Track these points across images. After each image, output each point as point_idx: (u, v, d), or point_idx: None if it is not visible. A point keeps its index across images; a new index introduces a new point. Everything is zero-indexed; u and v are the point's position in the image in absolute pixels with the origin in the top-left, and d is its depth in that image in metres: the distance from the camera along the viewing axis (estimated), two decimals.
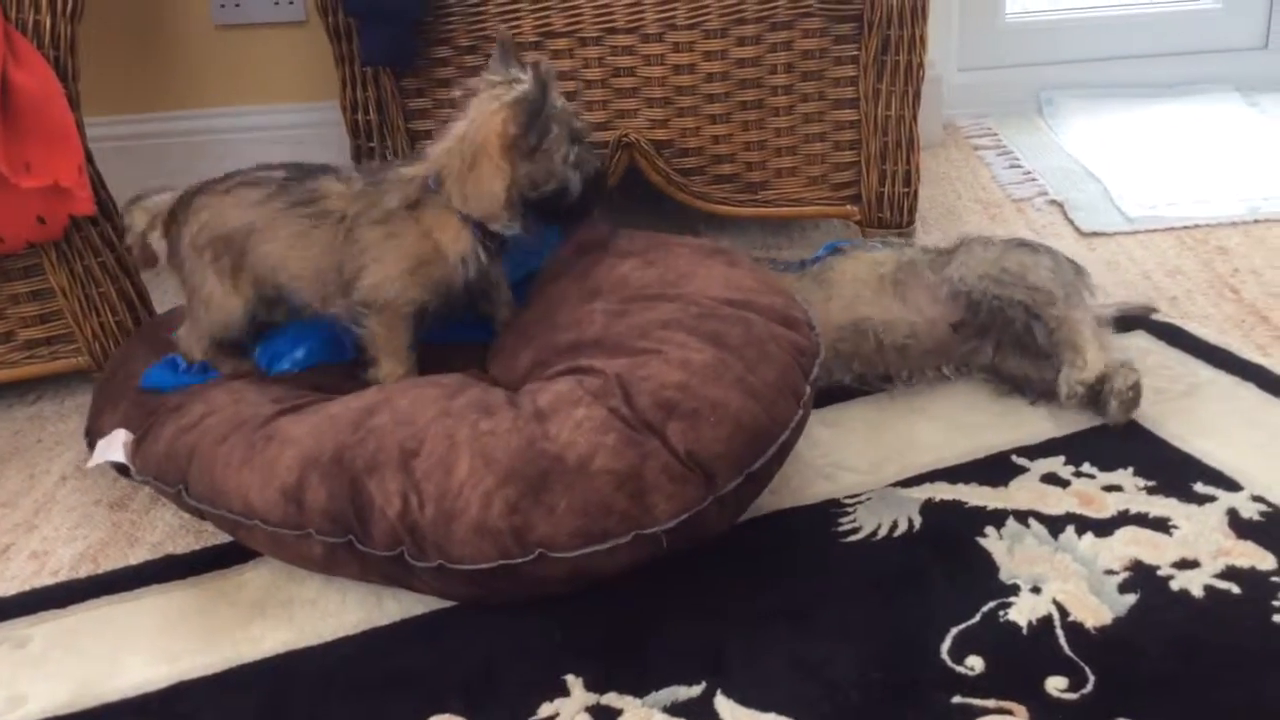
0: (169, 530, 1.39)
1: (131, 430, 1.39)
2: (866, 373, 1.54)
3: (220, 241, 1.44)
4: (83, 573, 1.32)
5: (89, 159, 1.64)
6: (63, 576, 1.32)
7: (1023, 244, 1.61)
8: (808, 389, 1.28)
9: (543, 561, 1.12)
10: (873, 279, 1.58)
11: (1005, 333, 1.51)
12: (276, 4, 2.45)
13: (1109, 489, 1.31)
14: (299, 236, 1.42)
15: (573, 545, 1.12)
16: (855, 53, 1.89)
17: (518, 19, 1.89)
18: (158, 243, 1.51)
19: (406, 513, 1.15)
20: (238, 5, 2.45)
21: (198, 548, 1.35)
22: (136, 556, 1.35)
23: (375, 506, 1.16)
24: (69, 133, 1.55)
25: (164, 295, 1.83)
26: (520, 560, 1.12)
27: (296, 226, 1.42)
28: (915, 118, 1.92)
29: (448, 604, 1.21)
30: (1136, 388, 1.41)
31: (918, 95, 1.91)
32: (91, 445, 1.45)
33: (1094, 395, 1.42)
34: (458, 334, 1.52)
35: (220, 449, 1.26)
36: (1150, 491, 1.30)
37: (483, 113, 1.41)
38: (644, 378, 1.21)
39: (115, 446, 1.37)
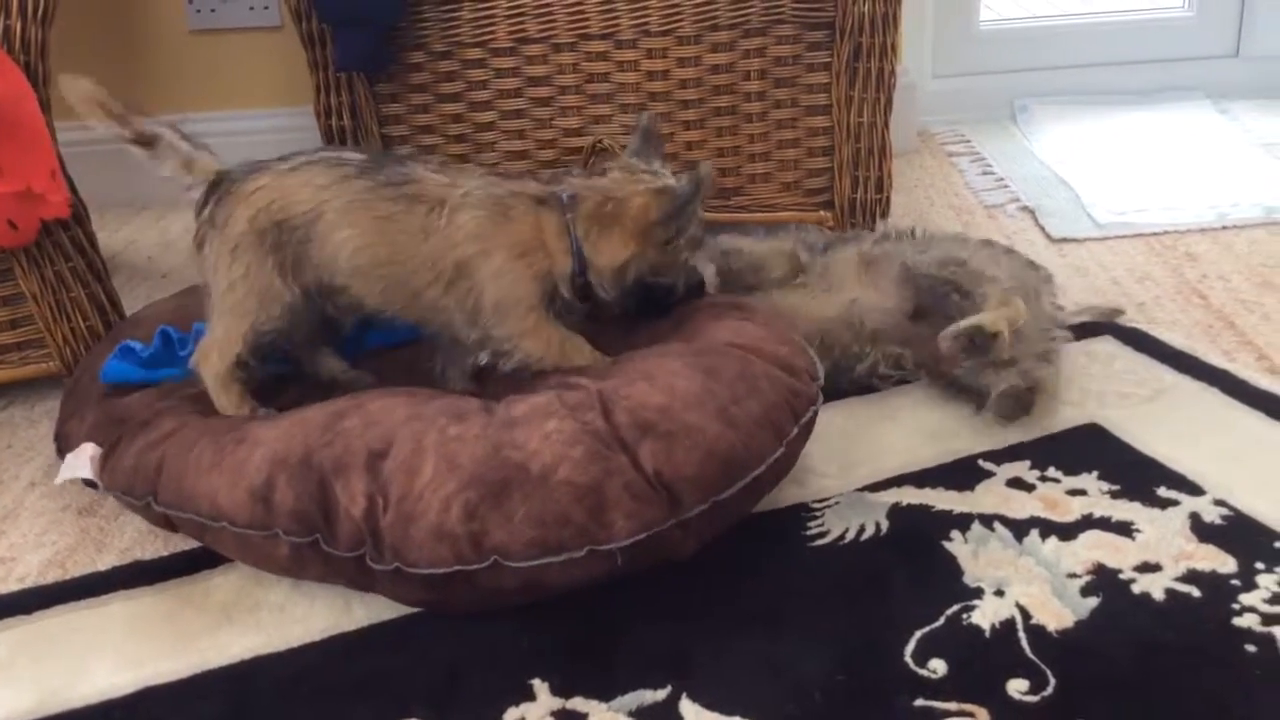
0: (137, 536, 1.38)
1: (99, 442, 1.38)
2: (842, 362, 1.55)
3: (285, 227, 1.32)
4: (50, 579, 1.32)
5: (61, 164, 1.63)
6: (30, 583, 1.31)
7: (987, 243, 1.64)
8: (795, 430, 1.27)
9: (497, 569, 1.12)
10: (854, 259, 1.62)
11: (943, 315, 1.52)
12: (251, 10, 2.45)
13: (1073, 493, 1.32)
14: (384, 221, 1.32)
15: (527, 555, 1.12)
16: (828, 60, 1.90)
17: (492, 25, 1.89)
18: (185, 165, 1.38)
19: (370, 514, 1.15)
20: (213, 11, 2.45)
21: (165, 553, 1.34)
22: (105, 562, 1.34)
23: (340, 507, 1.16)
24: (41, 137, 1.55)
25: (135, 300, 1.83)
26: (475, 567, 1.12)
27: (382, 210, 1.32)
28: (887, 124, 1.94)
29: (415, 610, 1.21)
30: (1024, 394, 1.41)
31: (889, 102, 1.92)
32: (60, 451, 1.45)
33: (973, 348, 1.42)
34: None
35: (190, 454, 1.26)
36: (1114, 495, 1.31)
37: (628, 190, 1.37)
38: (626, 396, 1.22)
39: (82, 462, 1.36)
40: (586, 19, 1.88)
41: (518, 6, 1.88)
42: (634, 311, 1.43)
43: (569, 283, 1.36)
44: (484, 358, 1.38)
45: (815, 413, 1.32)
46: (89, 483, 1.39)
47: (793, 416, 1.28)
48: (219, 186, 1.37)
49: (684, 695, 1.06)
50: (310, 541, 1.17)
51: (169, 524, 1.31)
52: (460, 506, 1.13)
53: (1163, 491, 1.31)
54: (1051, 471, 1.36)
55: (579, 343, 1.37)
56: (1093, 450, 1.40)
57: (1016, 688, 1.04)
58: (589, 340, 1.39)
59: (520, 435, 1.17)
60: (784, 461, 1.27)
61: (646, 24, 1.88)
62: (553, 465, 1.14)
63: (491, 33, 1.90)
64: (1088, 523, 1.26)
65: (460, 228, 1.33)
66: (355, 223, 1.32)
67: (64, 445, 1.46)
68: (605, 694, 1.07)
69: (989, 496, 1.32)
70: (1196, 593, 1.15)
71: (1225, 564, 1.19)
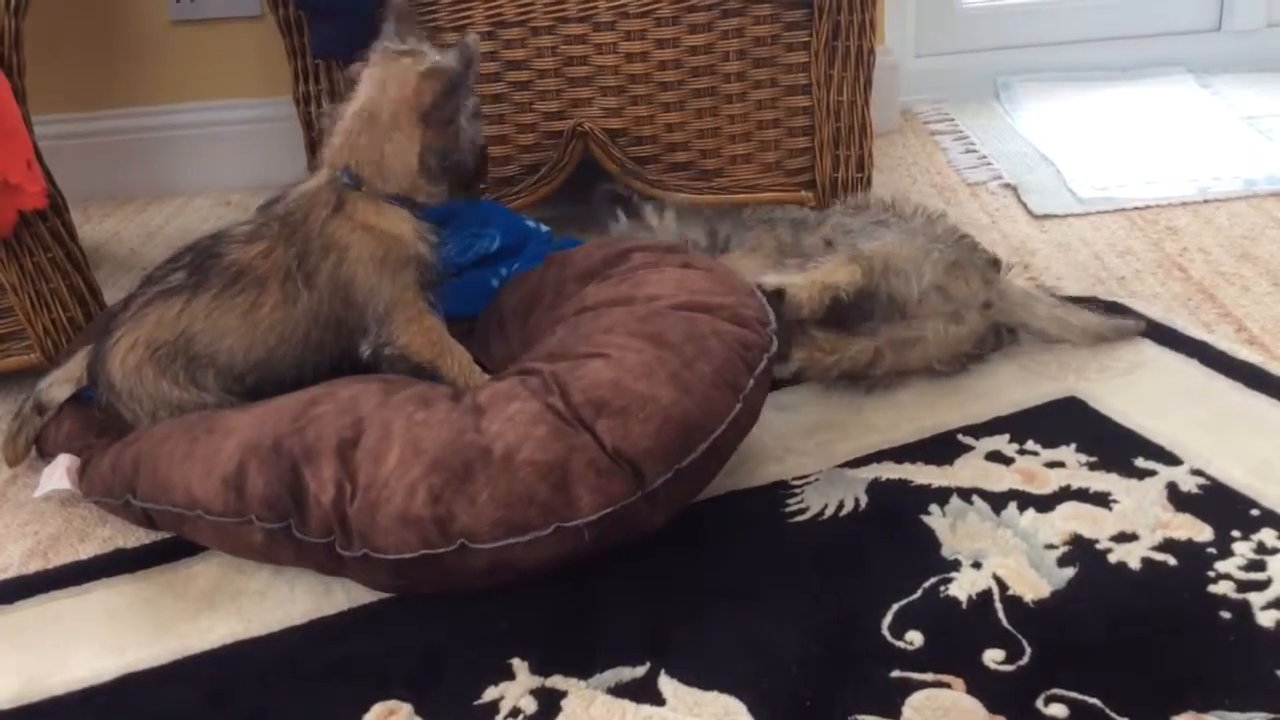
0: (119, 525, 1.38)
1: (75, 450, 1.39)
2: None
3: (162, 354, 1.35)
4: (32, 568, 1.32)
5: (38, 154, 1.63)
6: (12, 573, 1.32)
7: (927, 220, 1.62)
8: (750, 382, 1.26)
9: (465, 552, 1.12)
10: (820, 244, 1.62)
11: None
12: None
13: (1051, 465, 1.32)
14: (250, 313, 1.36)
15: (494, 536, 1.12)
16: (807, 39, 1.90)
17: (470, 9, 1.89)
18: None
19: (339, 501, 1.15)
20: (193, 1, 2.44)
21: (147, 542, 1.34)
22: (87, 551, 1.34)
23: (310, 494, 1.16)
24: (15, 128, 1.54)
25: (118, 291, 1.83)
26: (442, 550, 1.12)
27: (243, 305, 1.36)
28: (868, 103, 1.93)
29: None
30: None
31: (869, 80, 1.92)
32: (40, 451, 1.46)
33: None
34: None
35: (163, 446, 1.26)
36: (1092, 467, 1.31)
37: (389, 83, 1.39)
38: (579, 376, 1.21)
39: (58, 474, 1.37)
40: (564, 2, 1.87)
41: None
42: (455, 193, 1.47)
43: (423, 234, 1.40)
44: (365, 350, 1.39)
45: (770, 361, 1.30)
46: None
47: (747, 369, 1.26)
48: (94, 367, 1.40)
49: (662, 671, 1.07)
50: (283, 527, 1.17)
51: (149, 521, 1.31)
52: (425, 491, 1.13)
53: (1140, 462, 1.31)
54: (1030, 444, 1.36)
55: (462, 349, 1.41)
56: (1071, 423, 1.40)
57: (993, 658, 1.05)
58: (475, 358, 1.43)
59: (484, 419, 1.17)
60: (744, 417, 1.25)
61: (624, 6, 1.87)
62: (516, 446, 1.14)
63: (469, 17, 1.89)
64: (1065, 494, 1.27)
65: (322, 277, 1.36)
66: (230, 329, 1.36)
67: (42, 445, 1.46)
68: (584, 672, 1.08)
69: (968, 470, 1.33)
70: (1173, 561, 1.15)
71: (1202, 533, 1.19)
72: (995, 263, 1.60)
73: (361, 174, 1.38)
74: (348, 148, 1.40)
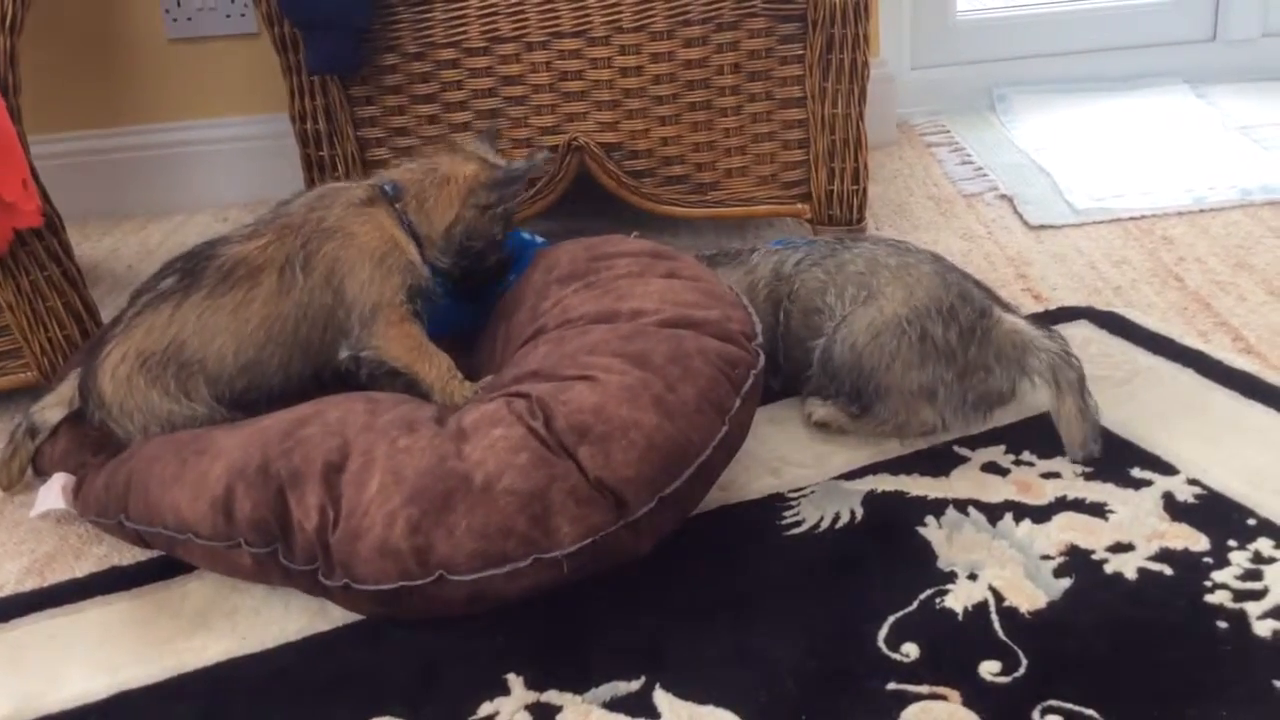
0: (115, 543, 1.38)
1: (70, 469, 1.39)
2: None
3: (153, 362, 1.36)
4: (28, 586, 1.32)
5: (33, 173, 1.63)
6: (8, 591, 1.31)
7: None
8: (737, 402, 1.24)
9: (443, 583, 1.11)
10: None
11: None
12: (228, 17, 2.45)
13: (1047, 476, 1.32)
14: (240, 309, 1.37)
15: (471, 568, 1.11)
16: (801, 52, 1.90)
17: (464, 25, 1.89)
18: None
19: (322, 529, 1.15)
20: (190, 19, 2.45)
21: (143, 559, 1.34)
22: (82, 569, 1.34)
23: (295, 519, 1.16)
24: (11, 146, 1.54)
25: (113, 308, 1.83)
26: (421, 582, 1.11)
27: (231, 303, 1.37)
28: (862, 115, 1.93)
29: None
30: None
31: (864, 93, 1.92)
32: (36, 469, 1.46)
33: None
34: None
35: (154, 467, 1.26)
36: (1088, 477, 1.31)
37: (459, 159, 1.51)
38: (564, 401, 1.19)
39: (54, 493, 1.37)
40: (558, 17, 1.88)
41: (490, 6, 1.87)
42: (461, 284, 1.51)
43: (422, 264, 1.45)
44: (344, 354, 1.41)
45: (758, 377, 1.28)
46: None
47: (733, 389, 1.24)
48: (84, 384, 1.42)
49: (657, 686, 1.06)
50: (269, 552, 1.17)
51: (142, 542, 1.31)
52: (404, 522, 1.12)
53: (1136, 472, 1.31)
54: (1026, 455, 1.36)
55: (443, 356, 1.42)
56: None
57: (988, 669, 1.04)
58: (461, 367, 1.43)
59: (467, 445, 1.17)
60: (732, 439, 1.24)
61: (619, 20, 1.88)
62: (496, 474, 1.13)
63: (464, 32, 1.90)
64: (1061, 505, 1.27)
65: (321, 261, 1.39)
66: (220, 329, 1.37)
67: (39, 463, 1.46)
68: (579, 686, 1.07)
69: (963, 481, 1.32)
70: (1169, 571, 1.15)
71: (1198, 542, 1.19)
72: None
73: (404, 193, 1.46)
74: (404, 174, 1.49)
